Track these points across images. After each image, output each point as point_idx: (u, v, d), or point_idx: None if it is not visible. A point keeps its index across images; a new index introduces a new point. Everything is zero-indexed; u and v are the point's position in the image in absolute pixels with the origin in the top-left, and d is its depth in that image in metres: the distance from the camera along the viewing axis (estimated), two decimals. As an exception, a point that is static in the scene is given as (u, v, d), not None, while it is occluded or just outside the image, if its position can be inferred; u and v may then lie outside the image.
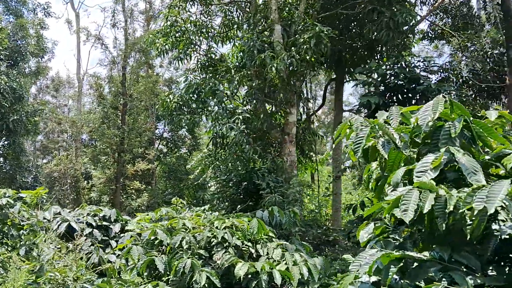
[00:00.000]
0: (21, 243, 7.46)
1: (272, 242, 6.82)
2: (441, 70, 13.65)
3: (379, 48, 14.27)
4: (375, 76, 12.44)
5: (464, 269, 3.07)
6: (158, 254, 6.42)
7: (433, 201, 3.00)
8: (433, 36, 17.69)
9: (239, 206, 11.09)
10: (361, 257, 3.36)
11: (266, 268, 5.93)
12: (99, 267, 6.70)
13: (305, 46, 11.15)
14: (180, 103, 13.24)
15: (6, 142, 22.72)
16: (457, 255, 3.13)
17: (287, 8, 13.18)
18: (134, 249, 6.60)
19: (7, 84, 20.40)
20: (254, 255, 6.57)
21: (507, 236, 3.00)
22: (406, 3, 13.08)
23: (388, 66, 11.46)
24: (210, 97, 13.15)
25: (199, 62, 14.47)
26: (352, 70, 15.42)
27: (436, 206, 3.02)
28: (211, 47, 14.45)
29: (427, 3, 16.17)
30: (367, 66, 13.54)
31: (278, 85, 12.36)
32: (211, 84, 12.68)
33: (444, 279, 3.00)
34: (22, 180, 23.51)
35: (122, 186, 24.59)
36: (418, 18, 14.07)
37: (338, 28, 13.60)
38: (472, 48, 15.65)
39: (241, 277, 5.80)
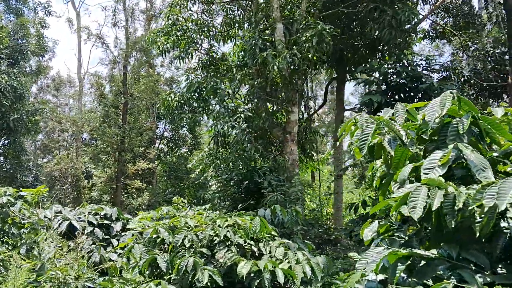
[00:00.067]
0: (22, 241, 7.42)
1: (274, 240, 6.77)
2: (443, 69, 13.61)
3: (381, 47, 14.22)
4: (377, 75, 12.39)
5: (473, 267, 3.03)
6: (160, 252, 6.37)
7: (442, 198, 2.95)
8: (434, 35, 17.65)
9: (240, 205, 11.04)
10: (368, 255, 3.31)
11: (269, 267, 5.89)
12: (100, 266, 6.66)
13: (307, 45, 11.10)
14: (182, 101, 13.20)
15: (6, 141, 22.70)
16: (465, 253, 3.08)
17: (288, 7, 13.13)
18: (136, 248, 6.55)
19: (7, 83, 20.36)
20: (257, 254, 6.52)
21: (517, 234, 2.95)
22: (408, 2, 13.03)
23: (390, 65, 11.41)
24: (212, 96, 13.12)
25: (200, 61, 14.43)
26: (353, 69, 15.38)
27: (445, 203, 2.97)
28: (212, 46, 14.41)
29: (429, 2, 16.12)
30: (368, 65, 13.50)
31: (280, 83, 12.31)
32: (212, 83, 12.65)
33: (452, 277, 2.96)
34: (22, 179, 23.47)
35: (122, 185, 24.55)
36: (420, 17, 14.02)
37: (340, 27, 13.54)
38: (473, 48, 15.62)
39: (244, 276, 5.75)
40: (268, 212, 7.68)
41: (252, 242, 6.56)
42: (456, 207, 2.95)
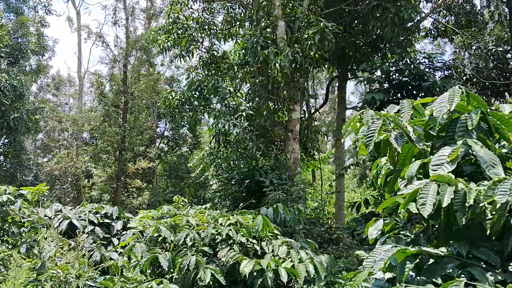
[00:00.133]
0: (22, 240, 7.36)
1: (277, 239, 6.70)
2: (445, 68, 13.55)
3: (383, 45, 14.16)
4: (378, 73, 12.33)
5: (483, 265, 2.96)
6: (162, 251, 6.31)
7: (453, 194, 2.88)
8: (436, 33, 17.58)
9: (241, 204, 10.98)
10: (375, 253, 3.25)
11: (272, 266, 5.82)
12: (101, 265, 6.60)
13: (309, 42, 11.03)
14: (182, 100, 13.13)
15: (6, 140, 22.64)
16: (475, 251, 3.02)
17: (290, 4, 13.06)
18: (137, 246, 6.48)
19: (7, 81, 20.31)
20: (259, 253, 6.45)
21: (528, 231, 2.89)
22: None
23: (392, 63, 11.34)
24: (213, 95, 13.05)
25: (201, 60, 14.36)
26: (355, 67, 15.31)
27: (455, 200, 2.91)
28: (213, 44, 14.34)
29: (431, 0, 16.06)
30: (369, 63, 13.43)
31: (282, 82, 12.25)
32: (213, 81, 12.58)
33: (462, 275, 2.89)
34: (22, 178, 23.42)
35: (123, 185, 24.50)
36: (423, 15, 13.95)
37: (341, 25, 13.48)
38: (475, 46, 15.55)
39: (246, 275, 5.69)
40: (270, 211, 7.61)
41: (254, 241, 6.49)
42: (466, 204, 2.88)
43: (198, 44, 14.07)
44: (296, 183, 10.75)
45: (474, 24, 16.30)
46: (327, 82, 20.57)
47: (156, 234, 6.63)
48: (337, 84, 19.69)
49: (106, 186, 24.32)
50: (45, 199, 9.18)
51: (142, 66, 27.12)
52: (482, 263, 2.97)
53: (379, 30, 12.41)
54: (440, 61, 11.94)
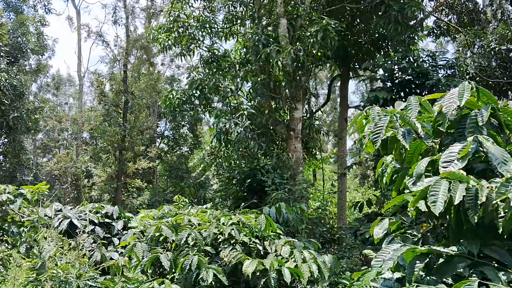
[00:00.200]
0: (22, 240, 7.28)
1: (280, 239, 6.62)
2: (448, 66, 13.45)
3: (385, 43, 14.05)
4: (381, 71, 12.23)
5: (495, 265, 2.88)
6: (163, 251, 6.22)
7: (464, 191, 2.80)
8: (439, 32, 17.47)
9: (242, 204, 10.90)
10: (383, 252, 3.16)
11: (275, 266, 5.75)
12: (102, 265, 6.52)
13: (311, 40, 10.94)
14: (183, 99, 13.03)
15: (6, 140, 22.55)
16: (487, 250, 2.94)
17: (292, 2, 12.96)
18: (138, 246, 6.40)
19: (7, 81, 20.23)
20: (262, 252, 6.38)
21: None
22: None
23: (395, 61, 11.25)
24: (213, 93, 12.96)
25: (202, 58, 14.27)
26: (357, 66, 15.21)
27: (467, 197, 2.82)
28: (214, 42, 14.23)
29: (434, -2, 15.97)
30: (371, 61, 13.34)
31: (283, 80, 12.16)
32: (214, 80, 12.49)
33: (474, 275, 2.81)
34: (22, 178, 23.36)
35: (123, 185, 24.43)
36: (426, 13, 13.87)
37: (344, 23, 13.39)
38: (478, 45, 15.44)
39: (249, 275, 5.60)
40: (273, 210, 7.54)
41: (257, 241, 6.42)
42: (478, 201, 2.80)
43: (199, 42, 13.96)
44: (299, 183, 10.66)
45: (477, 23, 16.19)
46: (329, 81, 20.46)
47: (157, 234, 6.55)
48: (338, 84, 19.59)
49: (106, 186, 24.25)
50: (44, 199, 9.10)
51: (143, 65, 27.05)
52: (494, 262, 2.89)
53: (381, 28, 12.31)
54: (443, 59, 11.85)
